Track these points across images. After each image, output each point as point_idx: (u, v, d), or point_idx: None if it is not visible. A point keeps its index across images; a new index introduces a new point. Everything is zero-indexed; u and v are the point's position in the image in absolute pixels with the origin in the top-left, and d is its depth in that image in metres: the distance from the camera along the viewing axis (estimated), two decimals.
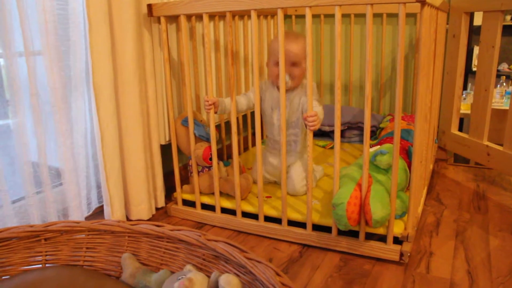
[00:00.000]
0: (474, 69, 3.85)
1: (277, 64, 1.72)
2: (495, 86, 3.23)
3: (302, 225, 1.61)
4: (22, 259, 1.20)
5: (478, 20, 2.35)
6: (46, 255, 1.22)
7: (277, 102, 1.80)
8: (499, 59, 2.08)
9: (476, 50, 4.03)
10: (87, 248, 1.24)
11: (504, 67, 4.67)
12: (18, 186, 1.51)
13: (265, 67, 2.47)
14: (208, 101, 1.67)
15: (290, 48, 1.68)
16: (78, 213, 1.64)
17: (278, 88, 1.77)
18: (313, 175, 1.89)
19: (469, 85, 3.69)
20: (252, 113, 2.48)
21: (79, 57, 1.59)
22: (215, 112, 1.72)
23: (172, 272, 1.15)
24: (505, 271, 1.40)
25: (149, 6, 1.67)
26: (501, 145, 2.02)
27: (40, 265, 1.21)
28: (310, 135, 1.48)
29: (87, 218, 1.74)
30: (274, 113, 1.82)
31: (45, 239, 1.22)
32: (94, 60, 1.55)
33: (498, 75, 3.41)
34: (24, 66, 1.42)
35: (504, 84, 3.69)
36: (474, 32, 2.78)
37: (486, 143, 2.13)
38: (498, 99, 3.48)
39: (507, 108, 1.96)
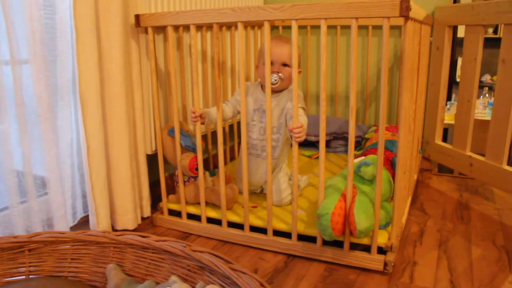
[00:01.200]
0: (458, 79, 3.91)
1: (264, 64, 1.72)
2: (478, 97, 3.28)
3: (287, 235, 1.62)
4: (5, 270, 1.19)
5: (461, 32, 2.39)
6: (30, 266, 1.21)
7: (261, 104, 1.81)
8: (482, 70, 2.12)
9: (459, 61, 4.09)
10: (71, 259, 1.23)
11: (487, 78, 4.73)
12: (1, 195, 1.50)
13: (251, 78, 2.49)
14: (194, 113, 1.68)
15: (282, 49, 1.71)
16: (63, 223, 1.63)
17: (263, 88, 1.78)
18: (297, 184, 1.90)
19: (453, 95, 3.74)
20: (238, 123, 2.49)
21: (66, 66, 1.59)
22: (202, 123, 1.72)
23: (157, 283, 1.15)
24: (487, 280, 1.43)
25: (137, 17, 1.67)
26: (484, 155, 2.06)
27: (24, 277, 1.20)
28: (295, 146, 1.50)
29: (72, 228, 1.73)
30: (256, 114, 1.83)
31: (29, 250, 1.22)
32: (80, 69, 1.55)
33: (481, 86, 3.46)
34: (10, 74, 1.41)
35: (487, 95, 3.75)
36: (457, 44, 2.83)
37: (469, 153, 2.16)
38: (481, 110, 3.53)
39: (489, 118, 2.00)
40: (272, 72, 1.71)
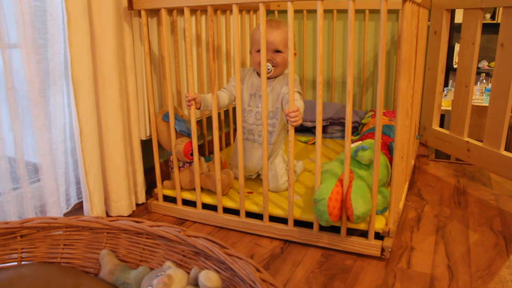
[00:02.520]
0: (455, 66, 3.90)
1: (259, 51, 1.70)
2: (475, 83, 3.27)
3: (283, 220, 1.61)
4: None
5: (458, 17, 2.37)
6: (22, 252, 1.19)
7: (257, 89, 1.79)
8: (479, 56, 2.10)
9: (457, 47, 4.08)
10: (64, 245, 1.21)
11: (484, 64, 4.73)
12: None
13: (246, 62, 2.46)
14: (187, 97, 1.65)
15: (272, 36, 1.67)
16: (56, 210, 1.61)
17: (259, 74, 1.76)
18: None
19: (450, 81, 3.72)
20: (234, 109, 2.46)
21: (58, 50, 1.56)
22: (197, 108, 1.70)
23: (152, 269, 1.14)
24: (484, 265, 1.42)
25: None
26: (481, 141, 2.05)
27: (16, 263, 1.18)
28: (291, 131, 1.47)
29: (66, 215, 1.71)
30: (252, 100, 1.81)
31: (21, 236, 1.19)
32: (73, 53, 1.52)
33: (478, 72, 3.45)
34: (0, 58, 1.38)
35: (484, 81, 3.74)
36: (455, 30, 2.81)
37: (467, 139, 2.15)
38: (478, 96, 3.53)
39: (487, 105, 1.98)
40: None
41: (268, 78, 1.75)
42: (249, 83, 1.82)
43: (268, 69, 1.68)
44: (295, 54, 1.72)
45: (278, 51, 1.71)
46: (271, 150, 1.84)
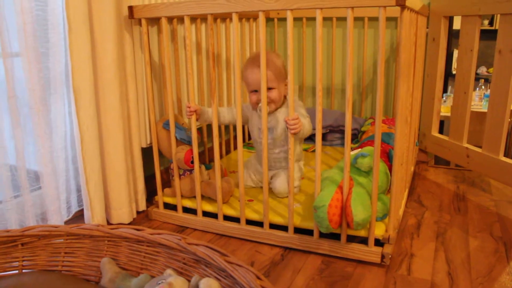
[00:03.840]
0: (454, 72, 3.91)
1: (252, 92, 1.77)
2: (474, 89, 3.28)
3: (283, 228, 1.61)
4: None
5: (457, 24, 2.38)
6: (23, 261, 1.20)
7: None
8: (478, 62, 2.11)
9: (455, 53, 4.09)
10: (65, 253, 1.22)
11: (483, 70, 4.74)
12: None
13: None
14: (189, 107, 1.66)
15: (258, 76, 1.65)
16: (57, 217, 1.61)
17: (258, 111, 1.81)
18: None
19: (449, 88, 3.73)
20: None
21: (59, 59, 1.57)
22: (197, 120, 1.72)
23: (152, 277, 1.14)
24: (484, 272, 1.42)
25: (130, 8, 1.65)
26: (480, 147, 2.05)
27: (17, 271, 1.19)
28: (291, 138, 1.48)
29: (66, 222, 1.72)
30: (261, 133, 1.81)
31: (22, 244, 1.20)
32: (73, 62, 1.53)
33: (477, 78, 3.45)
34: (2, 67, 1.39)
35: (483, 87, 3.74)
36: (453, 36, 2.82)
37: (466, 145, 2.15)
38: (477, 102, 3.53)
39: (486, 110, 1.99)
40: (258, 101, 1.73)
41: (270, 113, 1.79)
42: (255, 119, 1.86)
43: (260, 110, 1.67)
44: (286, 84, 1.74)
45: (270, 88, 1.72)
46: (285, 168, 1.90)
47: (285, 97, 1.81)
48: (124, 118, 1.70)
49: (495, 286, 1.35)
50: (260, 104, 1.58)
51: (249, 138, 2.69)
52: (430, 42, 2.34)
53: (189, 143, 1.77)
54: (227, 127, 2.53)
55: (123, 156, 1.71)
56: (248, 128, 1.84)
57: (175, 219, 1.81)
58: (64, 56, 1.58)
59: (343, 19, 2.59)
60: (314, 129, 2.49)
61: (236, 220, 1.70)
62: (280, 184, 1.81)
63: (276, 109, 1.81)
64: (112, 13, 1.59)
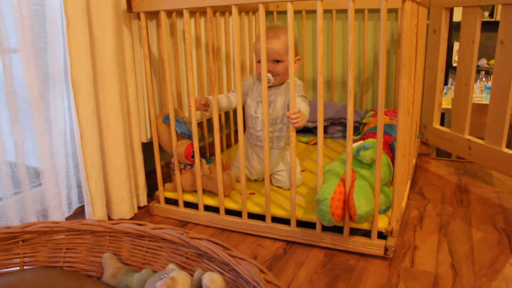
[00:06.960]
0: (455, 64, 3.89)
1: (260, 62, 1.71)
2: (475, 81, 3.27)
3: (286, 221, 1.61)
4: None
5: (457, 16, 2.36)
6: (24, 257, 1.19)
7: (263, 97, 1.80)
8: (479, 54, 2.10)
9: (456, 45, 4.07)
10: (66, 248, 1.21)
11: (483, 62, 4.72)
12: None
13: (246, 63, 2.46)
14: (200, 100, 1.68)
15: (270, 45, 1.67)
16: (58, 214, 1.60)
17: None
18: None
19: (450, 80, 3.72)
20: (235, 110, 2.46)
21: (57, 54, 1.55)
22: (205, 110, 1.72)
23: (155, 272, 1.13)
24: (487, 263, 1.41)
25: (129, 2, 1.64)
26: (482, 139, 2.04)
27: (18, 268, 1.18)
28: (293, 132, 1.47)
29: (68, 218, 1.71)
30: (259, 107, 1.81)
31: (23, 241, 1.19)
32: (72, 57, 1.52)
33: (478, 70, 3.44)
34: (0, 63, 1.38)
35: (484, 79, 3.73)
36: (454, 28, 2.80)
37: (468, 137, 2.14)
38: (478, 94, 3.52)
39: (487, 102, 1.98)
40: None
41: (272, 86, 1.78)
42: (256, 92, 1.83)
43: (269, 79, 1.69)
44: (298, 59, 1.72)
45: (278, 61, 1.71)
46: (282, 152, 1.86)
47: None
48: (124, 113, 1.69)
49: (499, 277, 1.34)
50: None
51: None
52: (431, 33, 2.33)
53: (190, 137, 1.76)
54: (227, 120, 2.52)
55: (123, 151, 1.70)
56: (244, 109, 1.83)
57: (176, 214, 1.80)
58: (63, 51, 1.56)
59: (343, 11, 2.57)
60: (312, 121, 2.51)
61: (238, 214, 1.69)
62: (285, 178, 1.82)
63: (281, 84, 1.80)
64: (110, 7, 1.57)
